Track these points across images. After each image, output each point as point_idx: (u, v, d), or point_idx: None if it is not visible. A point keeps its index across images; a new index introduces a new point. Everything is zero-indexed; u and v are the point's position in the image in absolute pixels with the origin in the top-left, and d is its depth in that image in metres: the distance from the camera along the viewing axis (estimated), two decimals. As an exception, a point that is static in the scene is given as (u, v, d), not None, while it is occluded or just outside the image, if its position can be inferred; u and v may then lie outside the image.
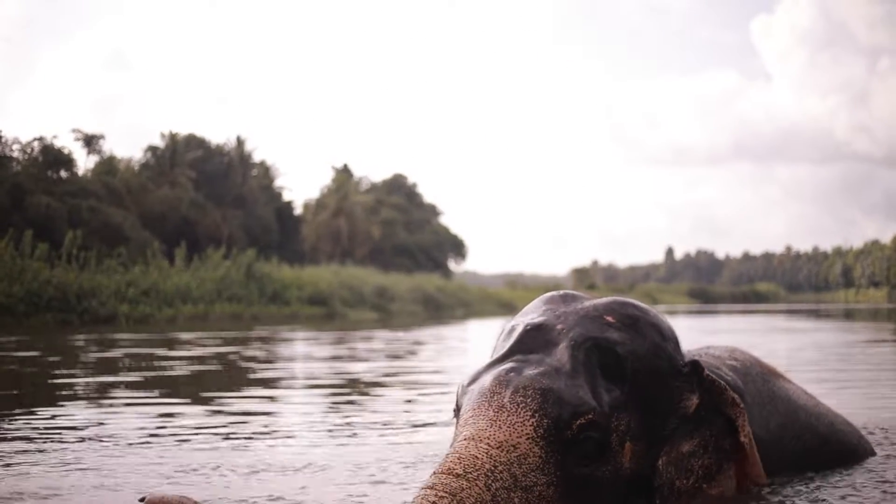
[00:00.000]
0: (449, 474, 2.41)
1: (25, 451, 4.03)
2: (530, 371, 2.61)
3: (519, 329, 2.80)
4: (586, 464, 2.53)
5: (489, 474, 2.41)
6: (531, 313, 2.90)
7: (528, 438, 2.48)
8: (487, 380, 2.64)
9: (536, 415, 2.50)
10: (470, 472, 2.41)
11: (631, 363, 2.68)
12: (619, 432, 2.59)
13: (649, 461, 2.67)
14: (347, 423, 5.03)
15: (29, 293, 21.36)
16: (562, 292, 2.99)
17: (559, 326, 2.75)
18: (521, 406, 2.52)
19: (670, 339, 2.83)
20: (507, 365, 2.67)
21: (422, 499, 2.37)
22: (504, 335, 2.87)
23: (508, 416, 2.51)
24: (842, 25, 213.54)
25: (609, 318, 2.77)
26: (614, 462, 2.58)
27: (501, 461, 2.44)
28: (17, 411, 5.45)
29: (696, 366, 2.80)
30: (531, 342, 2.74)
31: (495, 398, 2.56)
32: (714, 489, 2.77)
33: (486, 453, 2.45)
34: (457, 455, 2.46)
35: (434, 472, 2.45)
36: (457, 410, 2.73)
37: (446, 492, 2.37)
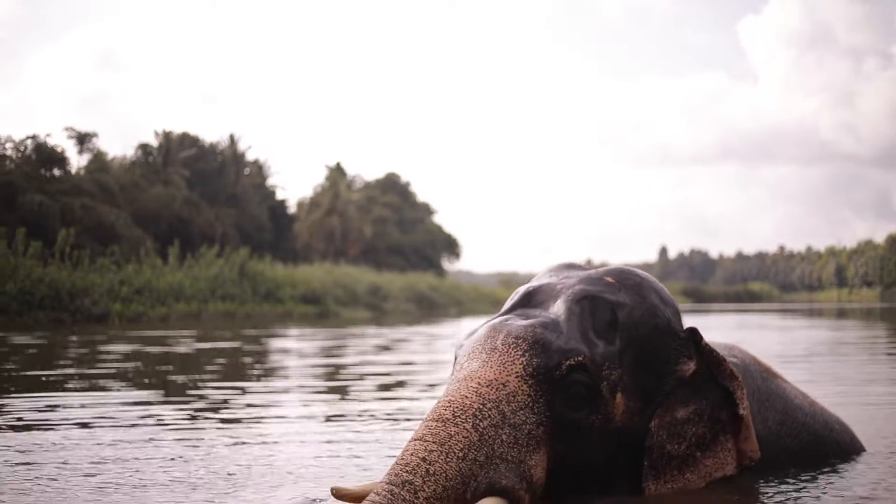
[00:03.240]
0: (438, 420, 2.46)
1: None
2: (525, 321, 2.71)
3: (521, 291, 2.94)
4: (576, 408, 2.58)
5: (477, 414, 2.47)
6: (535, 280, 3.02)
7: (518, 377, 2.55)
8: (483, 329, 2.75)
9: (526, 354, 2.59)
10: (459, 416, 2.46)
11: (625, 318, 2.74)
12: (609, 381, 2.64)
13: (644, 421, 2.71)
14: (323, 412, 5.06)
15: (22, 291, 21.28)
16: (566, 262, 3.11)
17: (559, 287, 2.86)
18: (511, 346, 2.61)
19: (669, 304, 2.91)
20: (504, 316, 2.78)
21: (411, 454, 2.40)
22: (509, 299, 2.98)
23: (500, 356, 2.61)
24: (827, 26, 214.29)
25: (609, 279, 2.86)
26: (605, 411, 2.63)
27: (490, 399, 2.50)
28: None
29: (694, 333, 2.85)
30: (531, 300, 2.88)
31: (488, 342, 2.67)
32: (708, 458, 2.79)
33: (476, 392, 2.52)
34: (448, 399, 2.53)
35: (425, 420, 2.49)
36: (454, 365, 2.79)
37: (436, 441, 2.41)
